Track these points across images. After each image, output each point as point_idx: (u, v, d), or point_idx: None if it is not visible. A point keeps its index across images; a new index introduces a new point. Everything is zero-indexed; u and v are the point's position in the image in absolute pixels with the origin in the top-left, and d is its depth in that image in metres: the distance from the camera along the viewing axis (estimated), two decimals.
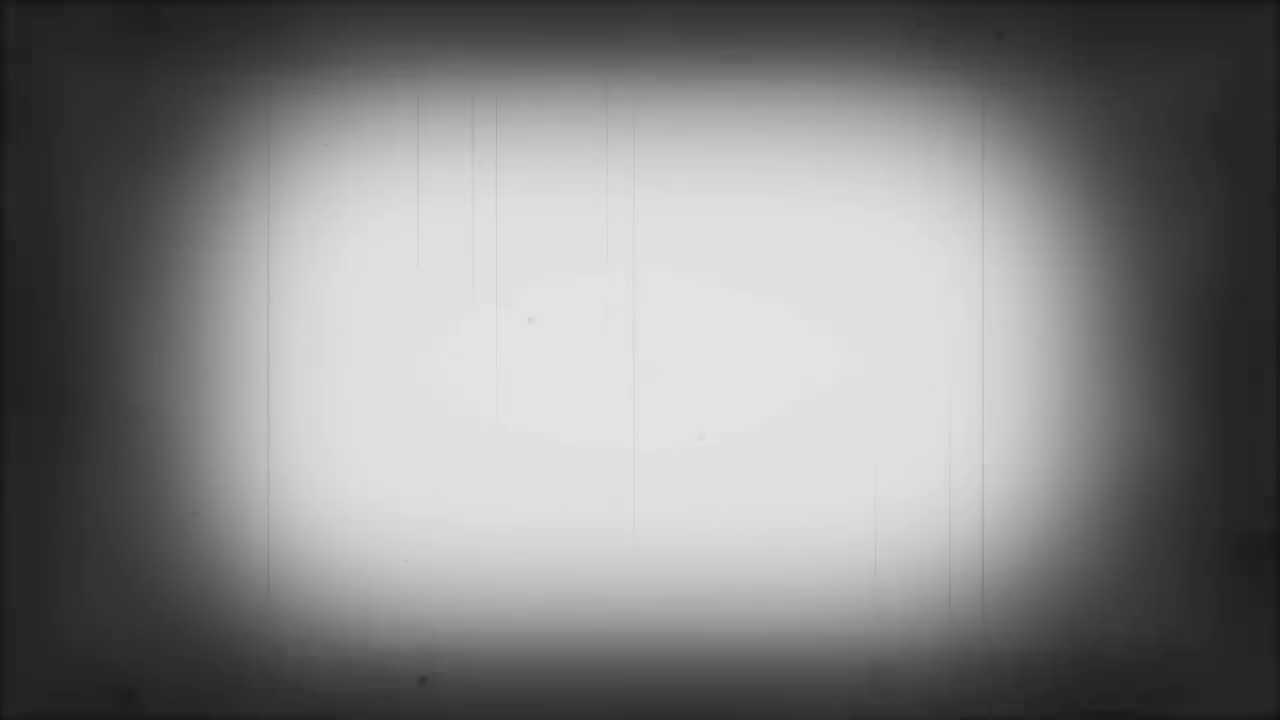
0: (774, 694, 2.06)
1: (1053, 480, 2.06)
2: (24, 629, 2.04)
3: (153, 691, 2.05)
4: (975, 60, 2.05)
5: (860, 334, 2.07)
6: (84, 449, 2.04)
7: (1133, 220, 2.06)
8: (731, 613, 2.06)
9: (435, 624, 2.07)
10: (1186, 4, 2.04)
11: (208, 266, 2.05)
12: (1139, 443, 2.05)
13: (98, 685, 2.04)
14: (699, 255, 2.07)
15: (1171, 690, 2.05)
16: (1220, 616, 2.05)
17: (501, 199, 2.06)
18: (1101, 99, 2.05)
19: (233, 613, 2.05)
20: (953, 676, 2.06)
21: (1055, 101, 2.05)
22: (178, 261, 2.05)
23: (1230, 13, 2.04)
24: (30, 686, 2.04)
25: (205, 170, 2.05)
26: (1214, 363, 2.05)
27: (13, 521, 2.03)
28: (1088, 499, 2.06)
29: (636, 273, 2.07)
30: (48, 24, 2.03)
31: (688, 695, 2.07)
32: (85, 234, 2.04)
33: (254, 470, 2.05)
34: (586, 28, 2.05)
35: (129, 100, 2.04)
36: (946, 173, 2.06)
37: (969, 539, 2.06)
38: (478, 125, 2.06)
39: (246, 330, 2.05)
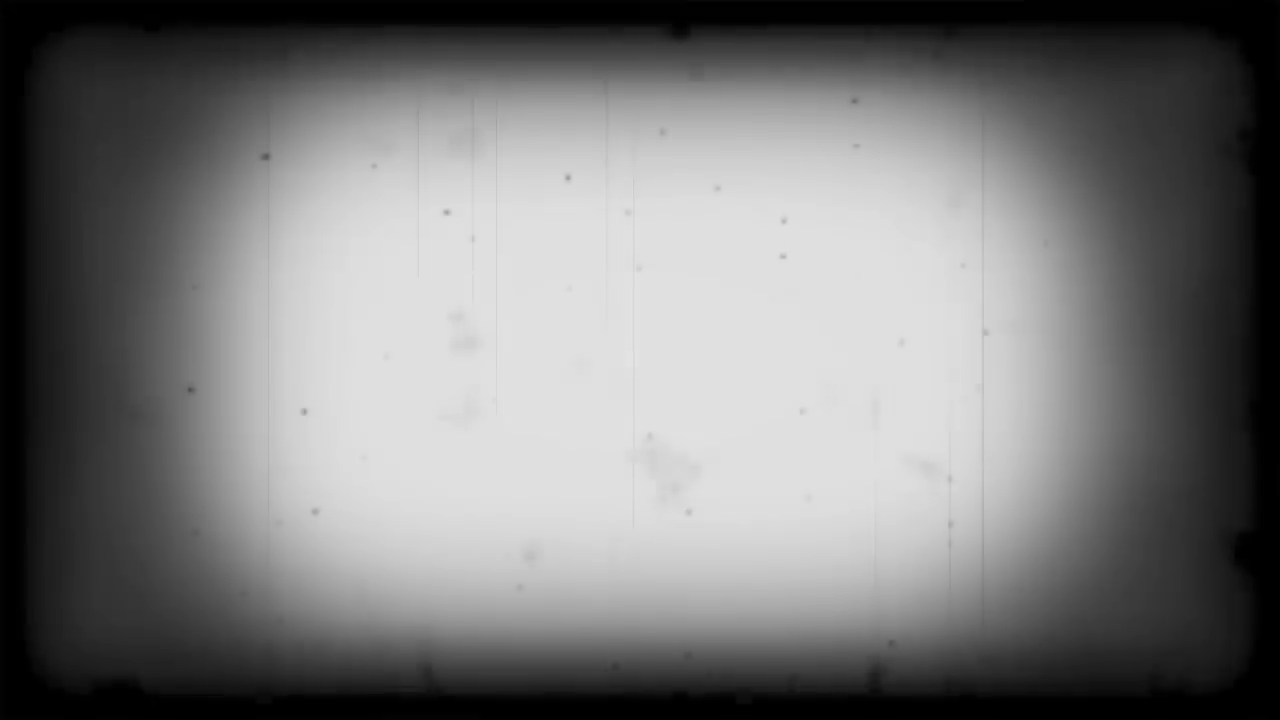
0: (773, 693, 2.06)
1: (1053, 480, 2.06)
2: (23, 627, 2.04)
3: (152, 690, 2.05)
4: (975, 60, 2.05)
5: (860, 334, 2.07)
6: (84, 449, 2.04)
7: (1133, 219, 2.06)
8: (731, 612, 2.07)
9: (435, 622, 2.07)
10: (1186, 2, 2.04)
11: (207, 266, 2.05)
12: (1139, 442, 2.05)
13: (97, 683, 2.05)
14: (699, 255, 2.07)
15: (1171, 689, 2.06)
16: (1220, 616, 2.05)
17: (501, 199, 2.06)
18: (1101, 97, 2.05)
19: (232, 612, 2.06)
20: (952, 676, 2.06)
21: (1055, 101, 2.05)
22: (177, 261, 2.05)
23: (1230, 10, 2.03)
24: (30, 685, 2.04)
25: (205, 171, 2.05)
26: (1214, 361, 2.05)
27: (13, 520, 2.03)
28: (1088, 499, 2.06)
29: (636, 273, 2.07)
30: (47, 25, 2.04)
31: (687, 694, 2.07)
32: (85, 234, 2.04)
33: (254, 470, 2.05)
34: (586, 28, 2.05)
35: (128, 100, 2.04)
36: (946, 172, 2.06)
37: (969, 539, 2.06)
38: (478, 125, 2.06)
39: (246, 329, 2.06)
